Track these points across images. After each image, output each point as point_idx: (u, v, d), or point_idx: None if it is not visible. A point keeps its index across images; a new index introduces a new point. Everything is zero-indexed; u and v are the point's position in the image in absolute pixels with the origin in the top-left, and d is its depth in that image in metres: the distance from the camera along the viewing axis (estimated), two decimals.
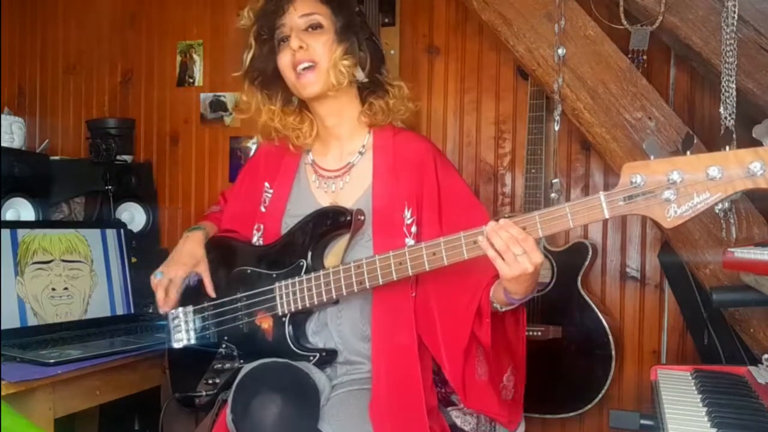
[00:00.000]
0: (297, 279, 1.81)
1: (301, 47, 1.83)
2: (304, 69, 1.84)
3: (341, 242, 1.84)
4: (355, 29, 1.90)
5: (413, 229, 1.83)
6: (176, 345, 2.02)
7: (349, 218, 1.81)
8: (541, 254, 1.53)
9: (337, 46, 1.86)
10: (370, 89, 1.93)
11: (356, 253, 1.82)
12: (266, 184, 2.02)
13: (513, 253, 1.49)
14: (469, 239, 1.56)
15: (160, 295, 1.97)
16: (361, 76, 1.90)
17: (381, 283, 1.69)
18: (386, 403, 1.73)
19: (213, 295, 1.98)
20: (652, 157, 1.39)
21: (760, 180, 1.28)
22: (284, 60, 1.86)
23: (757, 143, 1.30)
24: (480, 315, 1.73)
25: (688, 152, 1.36)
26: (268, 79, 1.92)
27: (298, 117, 1.96)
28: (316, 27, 1.85)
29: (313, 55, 1.84)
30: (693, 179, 1.34)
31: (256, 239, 1.98)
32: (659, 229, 2.89)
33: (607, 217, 1.44)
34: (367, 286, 1.70)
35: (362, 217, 1.83)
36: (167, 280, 1.96)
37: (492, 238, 1.51)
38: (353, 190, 1.92)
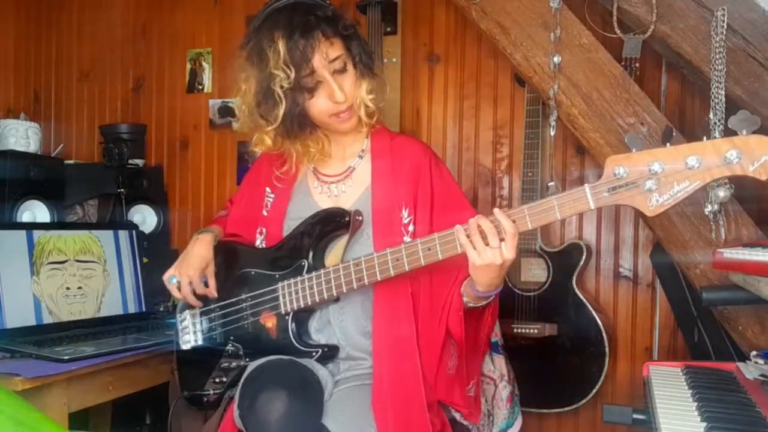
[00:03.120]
0: (299, 278, 1.82)
1: (345, 99, 1.80)
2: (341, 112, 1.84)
3: (341, 242, 1.85)
4: (365, 56, 1.87)
5: (411, 228, 1.84)
6: (185, 346, 2.03)
7: (347, 219, 1.82)
8: (515, 252, 1.54)
9: (361, 81, 1.84)
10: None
11: (356, 251, 1.83)
12: (267, 190, 2.03)
13: (485, 242, 1.52)
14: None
15: (177, 294, 2.00)
16: (382, 101, 1.91)
17: (379, 279, 1.70)
18: (388, 397, 1.73)
19: (215, 296, 1.99)
20: (633, 150, 1.40)
21: (736, 167, 1.31)
22: (320, 106, 1.82)
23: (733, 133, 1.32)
24: (452, 309, 1.75)
25: (668, 144, 1.37)
26: (299, 125, 1.85)
27: (317, 142, 1.93)
28: (343, 69, 1.82)
29: (350, 100, 1.83)
30: (673, 169, 1.35)
31: (259, 242, 1.99)
32: (644, 222, 2.88)
33: (592, 207, 1.45)
34: (366, 283, 1.71)
35: (360, 218, 1.84)
36: (186, 283, 1.98)
37: (469, 228, 1.54)
38: (353, 193, 1.92)
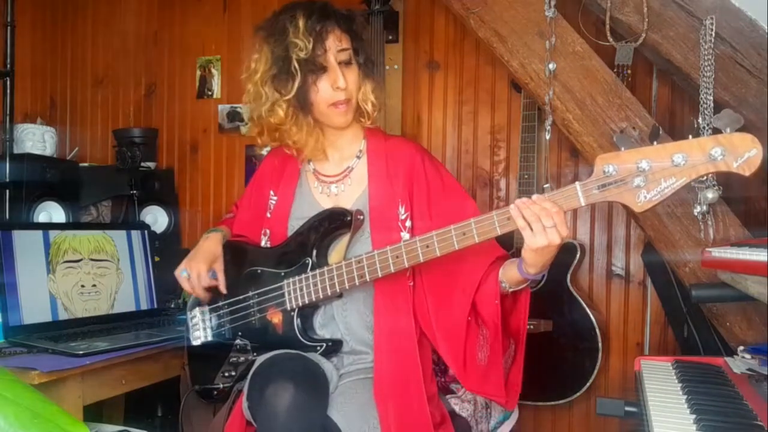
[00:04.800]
0: (303, 276, 1.82)
1: (345, 86, 1.82)
2: (340, 103, 1.85)
3: (343, 240, 1.85)
4: (370, 55, 1.90)
5: (408, 223, 1.85)
6: (195, 342, 2.03)
7: (349, 218, 1.82)
8: (567, 228, 1.51)
9: (364, 79, 1.87)
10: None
11: (356, 249, 1.84)
12: (271, 192, 2.03)
13: (543, 224, 1.48)
14: (458, 231, 1.57)
15: (187, 287, 2.00)
16: (381, 105, 1.92)
17: (380, 275, 1.69)
18: (388, 389, 1.73)
19: (225, 291, 2.00)
20: (622, 149, 1.40)
21: (720, 164, 1.31)
22: (322, 92, 1.82)
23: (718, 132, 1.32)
24: (486, 298, 1.73)
25: (655, 142, 1.37)
26: (304, 104, 1.85)
27: (312, 134, 1.92)
28: (348, 63, 1.84)
29: (350, 93, 1.84)
30: (660, 166, 1.35)
31: (264, 242, 1.99)
32: (635, 221, 2.88)
33: (583, 204, 1.45)
34: (368, 279, 1.71)
35: (361, 217, 1.84)
36: (195, 276, 1.98)
37: (523, 210, 1.50)
38: (352, 192, 1.93)
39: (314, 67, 1.80)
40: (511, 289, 1.72)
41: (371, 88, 1.88)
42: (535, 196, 1.51)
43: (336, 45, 1.81)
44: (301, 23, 1.78)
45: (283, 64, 1.81)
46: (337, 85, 1.81)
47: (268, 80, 1.85)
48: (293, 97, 1.82)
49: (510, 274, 1.69)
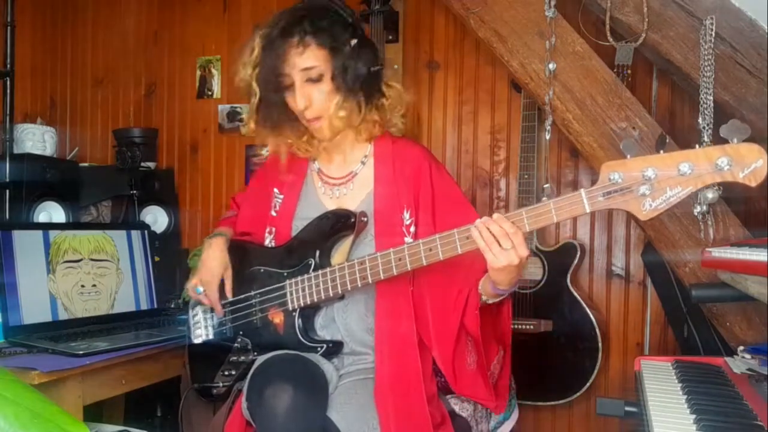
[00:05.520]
0: (306, 276, 1.82)
1: (307, 106, 1.80)
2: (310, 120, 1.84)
3: (346, 242, 1.85)
4: (350, 66, 1.80)
5: (412, 229, 1.84)
6: (196, 341, 2.03)
7: (353, 220, 1.82)
8: (528, 249, 1.54)
9: (335, 95, 1.81)
10: (367, 103, 1.89)
11: (360, 251, 1.83)
12: (276, 190, 2.02)
13: (500, 245, 1.51)
14: (462, 235, 1.57)
15: (205, 302, 2.01)
16: (357, 120, 1.88)
17: (382, 278, 1.69)
18: (388, 391, 1.73)
19: (231, 297, 1.99)
20: (628, 156, 1.40)
21: (726, 174, 1.31)
22: (294, 109, 1.84)
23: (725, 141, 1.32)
24: (469, 307, 1.75)
25: (662, 151, 1.37)
26: (276, 118, 1.86)
27: (305, 136, 1.93)
28: (316, 79, 1.79)
29: (317, 111, 1.82)
30: (666, 175, 1.35)
31: (269, 241, 1.99)
32: (636, 222, 2.88)
33: (588, 211, 1.45)
34: (370, 281, 1.71)
35: (365, 219, 1.84)
36: (212, 293, 1.98)
37: (482, 232, 1.52)
38: (356, 195, 1.92)
39: (278, 86, 1.80)
40: (489, 301, 1.75)
41: (338, 103, 1.81)
42: (495, 216, 1.53)
43: (300, 64, 1.77)
44: (257, 45, 1.80)
45: (246, 81, 1.85)
46: (297, 107, 1.81)
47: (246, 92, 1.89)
48: (255, 112, 1.87)
49: (486, 288, 1.72)
